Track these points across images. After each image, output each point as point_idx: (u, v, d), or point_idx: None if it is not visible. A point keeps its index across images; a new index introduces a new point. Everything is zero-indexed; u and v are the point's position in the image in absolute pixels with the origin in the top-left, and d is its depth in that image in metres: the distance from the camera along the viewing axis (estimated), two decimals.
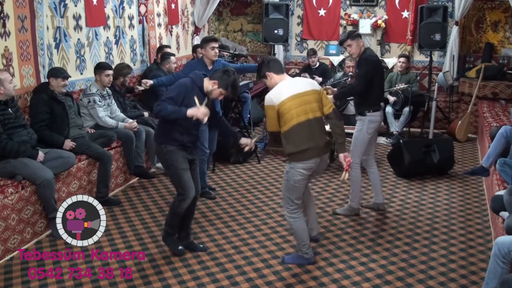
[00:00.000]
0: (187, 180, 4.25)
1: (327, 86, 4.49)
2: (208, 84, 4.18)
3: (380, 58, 9.31)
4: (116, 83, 6.25)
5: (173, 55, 7.24)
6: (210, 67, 5.57)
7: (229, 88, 4.19)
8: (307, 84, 4.15)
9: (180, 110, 4.05)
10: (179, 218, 4.35)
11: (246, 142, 4.53)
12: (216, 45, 5.61)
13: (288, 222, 4.23)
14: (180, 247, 4.41)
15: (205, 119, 4.07)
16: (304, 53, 10.05)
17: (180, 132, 4.19)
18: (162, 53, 7.23)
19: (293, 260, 4.26)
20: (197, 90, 4.16)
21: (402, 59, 8.27)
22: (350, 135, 6.79)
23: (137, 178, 6.24)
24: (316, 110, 4.03)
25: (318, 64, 8.84)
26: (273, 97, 4.01)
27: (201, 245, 4.54)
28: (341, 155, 4.18)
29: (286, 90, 4.00)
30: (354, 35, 5.04)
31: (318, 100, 4.06)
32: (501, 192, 4.20)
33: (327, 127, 4.33)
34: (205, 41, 5.60)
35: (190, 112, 4.01)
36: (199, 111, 4.03)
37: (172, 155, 4.21)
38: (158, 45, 7.94)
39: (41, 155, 4.66)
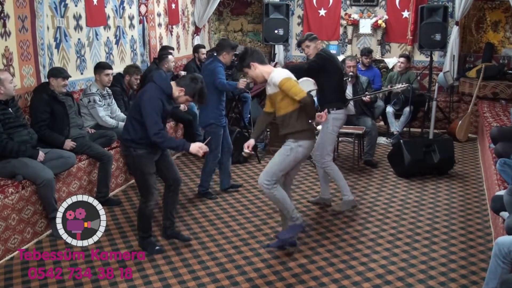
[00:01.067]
0: (151, 184, 4.30)
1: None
2: (176, 91, 4.18)
3: (380, 58, 9.41)
4: (124, 82, 6.30)
5: (170, 53, 7.19)
6: None
7: (196, 96, 4.22)
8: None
9: (184, 146, 4.19)
10: (150, 220, 4.42)
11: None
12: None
13: (270, 196, 4.30)
14: (157, 247, 4.45)
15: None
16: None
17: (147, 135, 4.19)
18: (160, 53, 7.23)
19: (288, 233, 4.35)
20: (164, 97, 4.14)
21: (402, 59, 8.27)
22: (349, 134, 6.86)
23: None
24: None
25: None
26: (285, 73, 4.23)
27: (185, 235, 4.64)
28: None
29: (285, 71, 4.26)
30: (312, 37, 5.38)
31: None
32: (501, 192, 4.20)
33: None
34: (232, 48, 5.58)
35: (192, 149, 4.18)
36: (201, 149, 4.18)
37: (141, 159, 4.21)
38: (158, 45, 7.95)
39: (41, 155, 4.66)
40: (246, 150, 4.42)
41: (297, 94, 4.11)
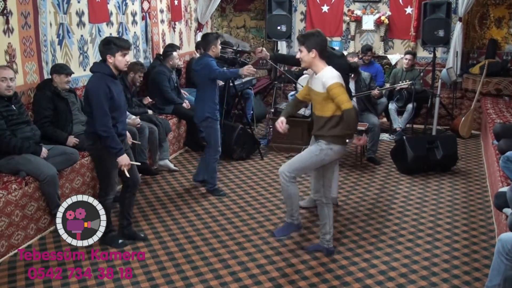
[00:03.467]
0: (113, 180, 4.35)
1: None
2: (110, 63, 4.15)
3: (383, 54, 9.39)
4: (127, 79, 6.31)
5: (175, 50, 7.21)
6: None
7: (119, 44, 4.16)
8: None
9: (120, 149, 4.17)
10: (109, 214, 4.39)
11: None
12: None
13: (284, 188, 4.28)
14: (120, 241, 4.48)
15: (127, 174, 4.27)
16: None
17: (114, 124, 4.19)
18: (164, 49, 7.24)
19: (283, 231, 4.46)
20: (108, 78, 4.15)
21: (408, 56, 8.25)
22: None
23: (140, 174, 6.21)
24: None
25: None
26: (337, 76, 4.03)
27: (142, 234, 4.66)
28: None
29: (340, 77, 4.06)
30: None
31: None
32: (505, 189, 4.19)
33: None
34: (215, 37, 5.59)
35: (120, 159, 4.18)
36: (123, 162, 4.20)
37: (106, 153, 4.21)
38: (161, 42, 7.94)
39: (44, 151, 4.67)
40: (280, 129, 4.33)
41: (343, 103, 3.94)
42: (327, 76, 4.00)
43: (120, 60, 4.16)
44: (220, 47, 5.65)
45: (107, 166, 4.28)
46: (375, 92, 6.89)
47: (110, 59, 4.16)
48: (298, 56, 4.15)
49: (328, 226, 4.33)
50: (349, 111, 3.94)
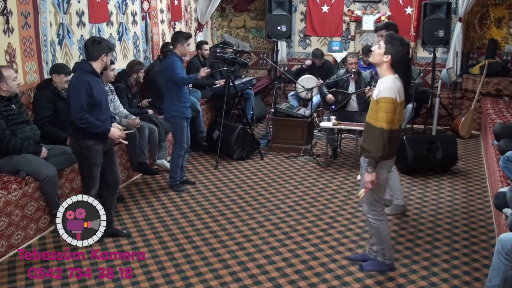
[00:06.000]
0: (96, 176, 4.40)
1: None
2: (98, 62, 4.27)
3: None
4: (130, 80, 6.32)
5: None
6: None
7: (110, 45, 4.38)
8: None
9: (106, 128, 4.28)
10: None
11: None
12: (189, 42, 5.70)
13: (374, 226, 3.97)
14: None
15: (125, 142, 4.47)
16: (307, 50, 10.07)
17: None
18: (167, 50, 7.23)
19: (374, 266, 4.10)
20: (90, 75, 4.22)
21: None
22: (352, 131, 6.84)
23: (140, 174, 6.26)
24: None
25: (323, 62, 8.83)
26: (397, 92, 3.68)
27: (124, 231, 4.69)
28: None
29: (401, 91, 3.75)
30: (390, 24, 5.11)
31: None
32: (505, 189, 4.19)
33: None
34: (185, 37, 5.63)
35: (111, 134, 4.31)
36: (116, 135, 4.33)
37: (90, 150, 4.29)
38: (161, 42, 7.94)
39: (44, 151, 4.67)
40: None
41: (382, 121, 3.66)
42: (386, 86, 3.71)
43: (108, 59, 4.36)
44: (188, 47, 5.65)
45: (90, 163, 4.35)
46: (367, 89, 6.85)
47: (104, 58, 4.29)
48: (373, 48, 3.89)
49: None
50: (383, 132, 3.66)
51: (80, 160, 4.47)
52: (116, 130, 4.38)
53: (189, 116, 5.81)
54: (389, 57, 3.73)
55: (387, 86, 3.70)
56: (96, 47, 4.26)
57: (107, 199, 4.54)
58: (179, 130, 5.72)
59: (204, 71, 5.81)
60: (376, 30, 5.26)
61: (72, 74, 4.40)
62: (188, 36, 5.64)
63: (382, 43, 3.80)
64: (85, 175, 4.49)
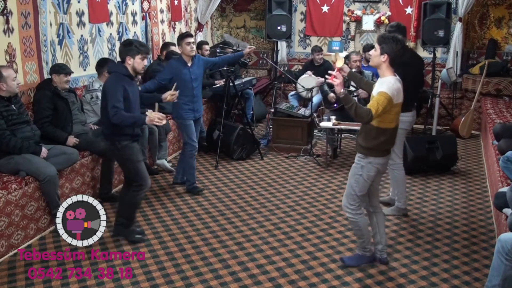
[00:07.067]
0: (143, 171, 4.41)
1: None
2: (128, 64, 4.28)
3: None
4: None
5: (179, 54, 7.21)
6: (189, 64, 5.61)
7: (140, 48, 4.30)
8: None
9: (138, 119, 4.25)
10: (137, 208, 4.54)
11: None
12: (192, 40, 5.62)
13: (352, 221, 4.04)
14: (137, 236, 4.54)
15: (164, 121, 4.25)
16: (307, 50, 10.05)
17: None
18: (167, 52, 7.23)
19: (356, 261, 4.15)
20: (125, 78, 4.26)
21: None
22: (352, 131, 6.83)
23: None
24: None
25: (322, 61, 8.83)
26: (396, 93, 3.73)
27: (138, 229, 4.69)
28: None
29: (400, 93, 3.80)
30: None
31: None
32: (505, 189, 4.19)
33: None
34: (181, 37, 5.62)
35: (148, 120, 4.20)
36: (155, 117, 4.20)
37: (127, 149, 4.33)
38: (161, 42, 7.94)
39: (44, 151, 4.67)
40: (332, 98, 4.03)
41: (373, 107, 3.67)
42: (385, 84, 3.75)
43: (139, 63, 4.29)
44: (189, 47, 5.54)
45: (132, 161, 4.36)
46: (359, 91, 6.85)
47: (129, 61, 4.26)
48: (371, 52, 3.97)
49: (378, 235, 4.17)
50: (369, 113, 3.65)
51: (121, 161, 4.47)
52: (150, 116, 4.22)
53: (195, 118, 5.73)
54: (386, 56, 3.80)
55: (387, 84, 3.75)
56: (122, 49, 4.30)
57: (126, 196, 4.54)
58: (185, 129, 5.67)
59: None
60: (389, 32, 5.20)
61: (109, 75, 4.42)
62: (186, 35, 5.61)
63: (376, 45, 3.88)
64: (133, 173, 4.44)
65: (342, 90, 3.75)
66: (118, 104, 4.16)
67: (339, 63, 4.02)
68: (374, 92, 3.84)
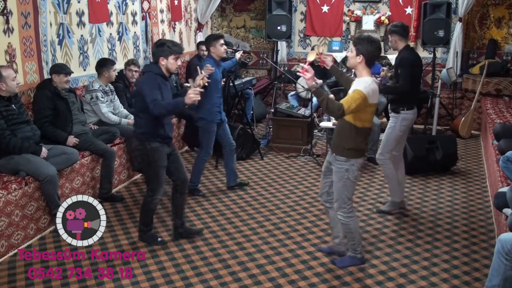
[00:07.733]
0: (161, 178, 4.42)
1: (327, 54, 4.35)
2: (161, 64, 4.27)
3: (383, 54, 9.38)
4: (127, 78, 6.32)
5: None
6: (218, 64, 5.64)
7: (173, 48, 4.27)
8: None
9: (178, 102, 4.20)
10: (153, 213, 4.53)
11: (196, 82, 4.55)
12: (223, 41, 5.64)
13: (343, 224, 4.06)
14: (159, 239, 4.55)
15: (198, 97, 4.10)
16: (307, 50, 10.05)
17: (161, 125, 4.31)
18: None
19: (348, 262, 4.18)
20: (159, 78, 4.26)
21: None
22: None
23: (140, 174, 6.24)
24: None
25: None
26: (371, 93, 3.79)
27: (193, 227, 4.75)
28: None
29: (375, 94, 3.85)
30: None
31: None
32: (505, 189, 4.19)
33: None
34: (214, 38, 5.58)
35: (188, 99, 4.08)
36: (192, 94, 4.08)
37: (155, 153, 4.31)
38: None
39: (44, 151, 4.67)
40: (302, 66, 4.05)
41: (345, 102, 3.71)
42: (362, 83, 3.81)
43: (172, 63, 4.28)
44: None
45: (156, 165, 4.35)
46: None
47: (162, 61, 4.26)
48: (347, 54, 4.07)
49: (335, 230, 4.28)
50: (340, 108, 3.68)
51: (145, 163, 4.45)
52: (188, 96, 4.07)
53: (218, 120, 5.65)
54: (361, 57, 3.87)
55: (363, 83, 3.82)
56: (155, 49, 4.31)
57: (177, 200, 4.57)
58: (206, 134, 5.61)
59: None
60: (391, 33, 5.23)
61: (142, 75, 4.45)
62: (219, 36, 5.61)
63: (352, 46, 3.96)
64: (151, 178, 4.46)
65: (313, 84, 3.82)
66: (157, 97, 4.13)
67: (311, 57, 4.12)
68: (350, 90, 3.89)
